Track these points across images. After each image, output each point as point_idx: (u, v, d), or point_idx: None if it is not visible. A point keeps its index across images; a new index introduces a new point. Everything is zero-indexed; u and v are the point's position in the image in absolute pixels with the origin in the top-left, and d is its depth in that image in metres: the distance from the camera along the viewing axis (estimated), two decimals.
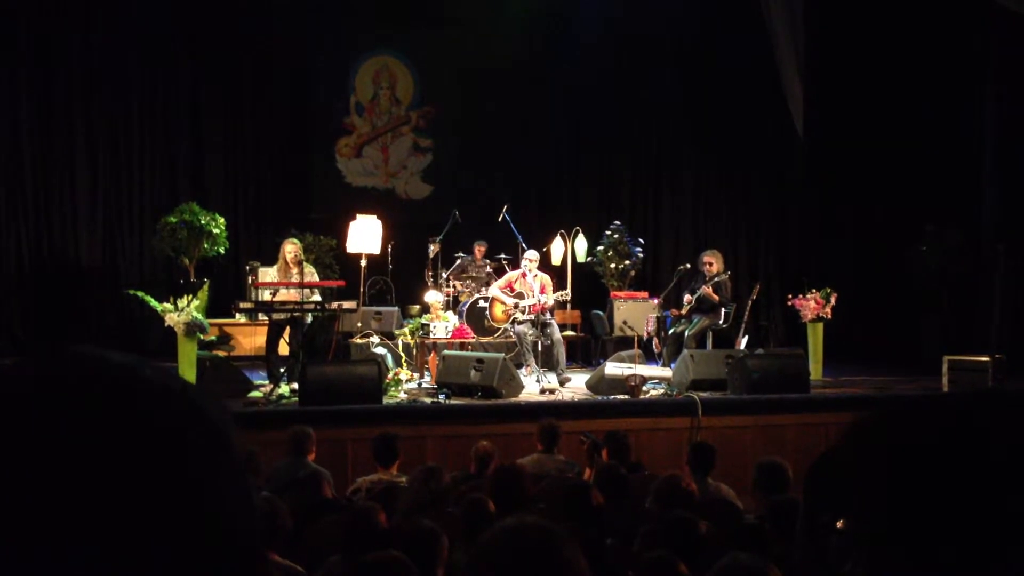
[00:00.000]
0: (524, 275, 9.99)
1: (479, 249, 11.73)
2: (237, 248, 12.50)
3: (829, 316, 10.39)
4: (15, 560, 0.60)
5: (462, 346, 9.96)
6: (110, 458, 0.62)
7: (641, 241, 13.00)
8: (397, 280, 11.70)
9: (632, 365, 9.09)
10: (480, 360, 8.73)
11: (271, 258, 9.88)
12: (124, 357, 0.69)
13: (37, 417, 0.63)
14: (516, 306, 9.93)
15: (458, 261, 11.57)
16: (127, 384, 0.66)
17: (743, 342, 10.12)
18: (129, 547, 0.61)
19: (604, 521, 4.25)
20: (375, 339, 9.84)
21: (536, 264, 9.98)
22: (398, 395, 8.71)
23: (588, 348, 12.15)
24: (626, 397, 8.54)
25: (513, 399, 8.56)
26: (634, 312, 11.11)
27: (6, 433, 0.62)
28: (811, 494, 1.75)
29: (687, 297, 10.24)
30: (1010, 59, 12.12)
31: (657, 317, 10.54)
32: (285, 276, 9.09)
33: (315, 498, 5.03)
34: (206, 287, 9.38)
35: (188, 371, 8.43)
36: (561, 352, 9.68)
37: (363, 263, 9.71)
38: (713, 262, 10.20)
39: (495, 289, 10.25)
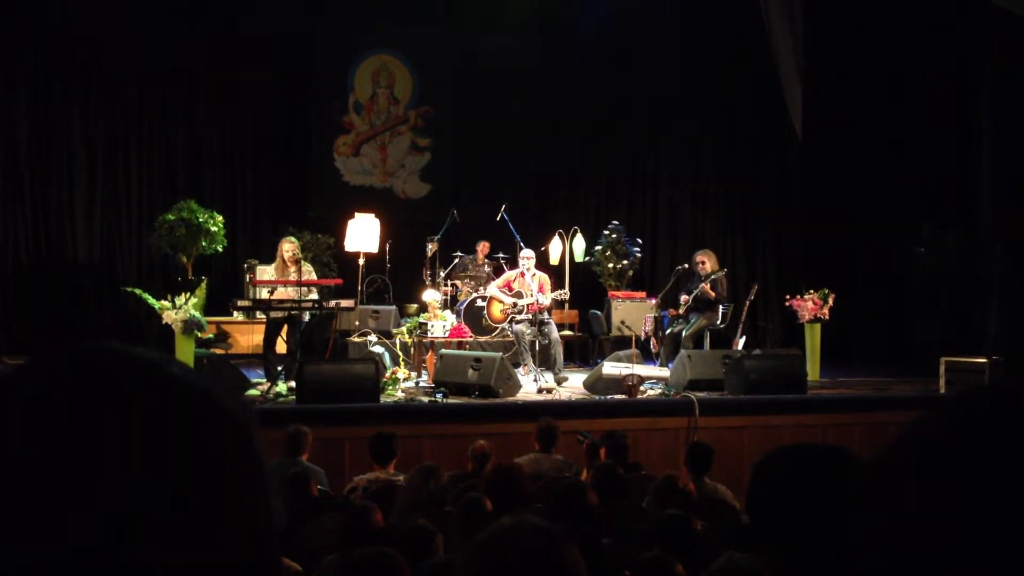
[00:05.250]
0: (523, 274, 9.97)
1: (482, 248, 11.70)
2: (235, 246, 12.49)
3: (827, 317, 10.38)
4: (33, 556, 0.60)
5: (460, 345, 9.96)
6: (132, 454, 0.62)
7: (639, 241, 12.99)
8: (395, 279, 11.69)
9: (629, 365, 9.08)
10: (478, 359, 8.72)
11: (269, 256, 9.87)
12: (151, 354, 0.69)
13: (61, 412, 0.63)
14: (514, 305, 9.92)
15: (460, 259, 11.56)
16: (153, 381, 0.67)
17: (740, 342, 10.12)
18: (146, 544, 0.61)
19: (601, 521, 4.24)
20: (373, 338, 9.83)
21: (533, 262, 9.96)
22: (395, 394, 8.70)
23: (586, 348, 12.14)
24: (623, 397, 8.53)
25: (510, 398, 8.55)
26: (632, 312, 11.09)
27: (31, 428, 0.62)
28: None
29: (684, 297, 10.23)
30: (1008, 59, 12.12)
31: (655, 317, 10.53)
32: (283, 274, 9.09)
33: (301, 496, 5.02)
34: (204, 285, 9.37)
35: None
36: (559, 351, 9.66)
37: (361, 262, 9.70)
38: (706, 261, 10.19)
39: (493, 288, 10.23)
